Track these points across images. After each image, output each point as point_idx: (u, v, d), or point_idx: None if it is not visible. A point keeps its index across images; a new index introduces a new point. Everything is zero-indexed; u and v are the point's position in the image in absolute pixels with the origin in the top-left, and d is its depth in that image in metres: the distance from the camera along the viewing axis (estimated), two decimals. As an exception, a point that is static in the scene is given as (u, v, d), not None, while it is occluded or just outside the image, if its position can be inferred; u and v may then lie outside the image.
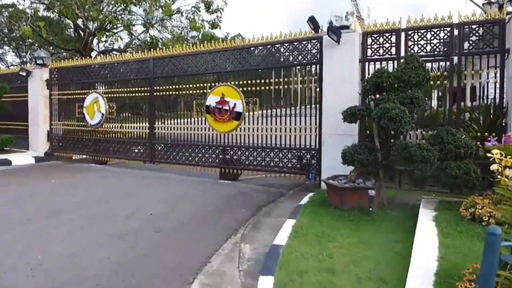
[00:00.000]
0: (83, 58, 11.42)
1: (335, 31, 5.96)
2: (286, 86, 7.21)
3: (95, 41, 14.36)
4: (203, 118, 8.06)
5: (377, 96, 5.44)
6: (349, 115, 5.07)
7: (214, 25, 14.92)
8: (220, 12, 15.25)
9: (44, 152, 10.77)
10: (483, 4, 17.99)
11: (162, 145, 8.73)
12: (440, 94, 6.65)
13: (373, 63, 6.38)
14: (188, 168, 8.39)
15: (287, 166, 7.15)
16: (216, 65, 7.90)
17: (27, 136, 11.10)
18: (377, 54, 6.30)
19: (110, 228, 4.72)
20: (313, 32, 6.76)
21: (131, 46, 14.12)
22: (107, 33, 13.58)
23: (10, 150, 10.84)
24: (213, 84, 7.91)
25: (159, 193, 6.68)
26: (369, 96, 5.69)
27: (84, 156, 10.36)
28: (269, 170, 7.33)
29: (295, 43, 6.98)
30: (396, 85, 4.90)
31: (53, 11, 14.22)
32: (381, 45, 6.26)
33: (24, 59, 24.78)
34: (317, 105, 6.82)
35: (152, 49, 8.95)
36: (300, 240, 3.93)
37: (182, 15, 14.48)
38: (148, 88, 8.89)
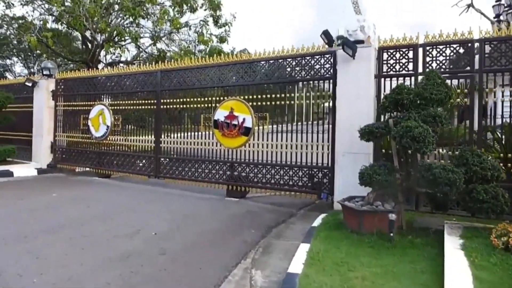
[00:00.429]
0: (90, 69, 11.30)
1: (351, 46, 5.75)
2: (297, 102, 6.98)
3: (102, 53, 14.32)
4: (211, 133, 7.83)
5: (395, 113, 5.20)
6: (367, 133, 4.81)
7: (222, 39, 14.87)
8: (229, 26, 15.23)
9: (47, 164, 10.55)
10: (492, 23, 17.91)
11: (168, 159, 8.48)
12: (459, 111, 6.38)
13: (389, 79, 6.15)
14: (193, 184, 8.11)
15: (297, 185, 6.86)
16: (225, 78, 7.71)
17: (30, 147, 10.91)
18: (394, 70, 6.07)
19: (112, 248, 4.43)
20: (326, 46, 6.57)
21: (138, 58, 14.05)
22: (115, 45, 13.53)
23: (12, 161, 10.63)
24: (221, 98, 7.70)
25: (164, 210, 6.40)
26: (388, 114, 5.46)
27: (87, 169, 10.12)
28: (278, 189, 7.04)
29: (308, 58, 6.78)
30: (417, 102, 4.65)
31: (61, 23, 14.24)
32: (397, 61, 6.04)
33: (32, 70, 24.92)
34: (330, 122, 6.57)
35: (160, 62, 8.78)
36: (318, 268, 3.62)
37: (190, 29, 14.46)
38: (155, 101, 8.70)
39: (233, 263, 4.10)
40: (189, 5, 13.56)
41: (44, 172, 10.30)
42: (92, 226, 5.34)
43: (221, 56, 7.87)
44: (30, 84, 10.44)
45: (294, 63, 6.92)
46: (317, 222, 5.42)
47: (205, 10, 14.17)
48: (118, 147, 9.47)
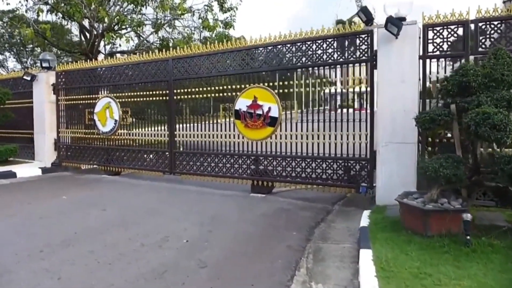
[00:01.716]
0: (91, 60, 10.58)
1: (396, 23, 5.11)
2: (329, 87, 6.36)
3: (101, 43, 13.54)
4: (232, 124, 7.20)
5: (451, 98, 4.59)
6: (427, 121, 4.21)
7: (227, 24, 14.09)
8: (234, 11, 14.45)
9: (51, 162, 9.90)
10: (504, 2, 17.18)
11: (184, 154, 7.85)
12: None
13: (435, 60, 5.54)
14: (211, 179, 7.51)
15: (331, 178, 6.28)
16: (246, 64, 7.04)
17: (32, 145, 10.24)
18: (440, 50, 5.43)
19: (142, 262, 3.84)
20: (361, 25, 5.92)
21: (139, 48, 13.31)
22: (116, 34, 12.76)
23: (14, 161, 9.96)
24: (243, 86, 7.04)
25: (188, 211, 5.82)
26: (438, 99, 4.87)
27: (94, 166, 9.47)
28: (310, 183, 6.46)
29: (340, 39, 6.13)
30: (486, 85, 4.04)
31: (57, 12, 13.39)
32: (445, 39, 5.40)
33: (25, 65, 24.02)
34: (368, 109, 5.97)
35: (170, 49, 8.08)
36: (398, 283, 3.05)
37: (193, 15, 13.66)
38: (167, 91, 8.03)
39: (287, 275, 3.54)
40: (193, -12, 12.76)
41: (48, 171, 9.65)
42: (113, 234, 4.74)
43: (240, 40, 7.17)
44: (28, 78, 9.72)
45: (325, 45, 6.25)
46: (364, 221, 4.85)
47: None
48: (128, 142, 8.83)
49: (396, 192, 5.29)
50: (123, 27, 12.81)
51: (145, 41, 13.81)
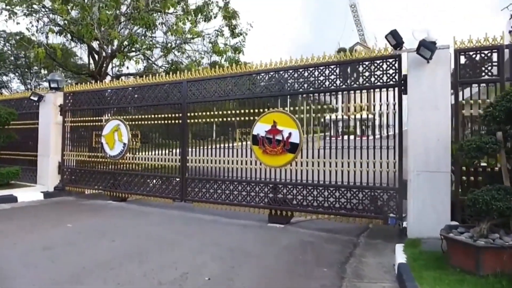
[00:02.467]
0: (100, 82, 10.38)
1: (430, 46, 4.90)
2: (353, 113, 6.09)
3: (110, 65, 13.40)
4: (248, 150, 6.88)
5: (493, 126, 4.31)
6: (474, 149, 3.90)
7: (237, 49, 14.05)
8: (244, 36, 14.45)
9: (54, 186, 9.48)
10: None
11: (196, 180, 7.47)
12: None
13: (468, 86, 5.31)
14: (224, 208, 7.11)
15: (357, 208, 5.90)
16: (265, 88, 6.82)
17: (35, 168, 9.84)
18: (474, 75, 5.21)
19: (163, 304, 3.41)
20: (388, 49, 5.72)
21: (148, 70, 13.17)
22: (126, 56, 12.65)
23: (16, 184, 9.52)
24: (261, 110, 6.77)
25: (206, 243, 5.39)
26: (473, 126, 4.59)
27: (98, 191, 9.04)
28: (333, 213, 6.07)
29: (366, 63, 5.92)
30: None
31: (66, 34, 13.34)
32: (478, 65, 5.18)
33: (29, 86, 23.98)
34: (396, 135, 5.68)
35: (185, 71, 7.88)
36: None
37: (204, 39, 13.62)
38: (180, 115, 7.75)
39: (330, 323, 3.12)
40: (204, 13, 12.76)
41: (51, 196, 9.23)
42: (126, 269, 4.31)
43: (260, 63, 6.96)
44: (36, 98, 9.46)
45: (349, 69, 6.04)
46: (400, 256, 4.44)
47: (222, 20, 13.39)
48: (136, 167, 8.47)
49: (428, 224, 5.01)
50: (133, 49, 12.71)
51: (153, 64, 13.68)
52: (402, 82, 5.57)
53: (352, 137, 6.02)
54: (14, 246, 5.17)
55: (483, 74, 5.17)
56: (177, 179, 7.73)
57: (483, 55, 5.15)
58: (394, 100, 5.70)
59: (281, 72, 6.63)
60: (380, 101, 5.83)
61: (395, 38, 5.36)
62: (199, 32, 12.52)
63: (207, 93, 7.47)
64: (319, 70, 6.27)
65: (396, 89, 5.66)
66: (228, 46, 13.31)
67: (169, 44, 13.55)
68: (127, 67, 15.20)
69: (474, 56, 5.19)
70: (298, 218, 6.70)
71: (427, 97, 5.20)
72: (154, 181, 8.07)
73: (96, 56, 13.45)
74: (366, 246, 5.42)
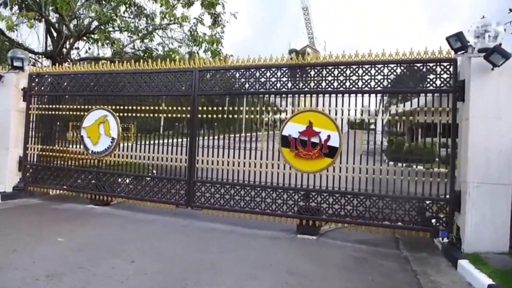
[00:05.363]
0: (59, 65, 8.82)
1: (504, 53, 4.64)
2: (393, 117, 5.70)
3: (74, 46, 11.54)
4: (275, 152, 6.16)
5: None
6: None
7: (216, 41, 13.00)
8: (221, 28, 13.45)
9: (13, 186, 7.79)
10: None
11: (208, 184, 6.53)
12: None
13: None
14: (233, 215, 6.31)
15: (402, 220, 5.51)
16: (297, 84, 6.13)
17: (-14, 163, 8.02)
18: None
19: None
20: (443, 52, 5.41)
21: (121, 55, 11.58)
22: (93, 37, 10.95)
23: (-41, 183, 7.66)
24: (292, 109, 6.09)
25: (247, 265, 4.55)
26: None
27: (67, 193, 7.56)
28: (375, 224, 5.61)
29: (418, 65, 5.54)
30: None
31: (13, 5, 11.19)
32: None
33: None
34: (448, 144, 5.39)
35: (198, 59, 6.88)
36: None
37: (181, 26, 12.39)
38: (189, 108, 6.74)
39: None
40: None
41: (10, 198, 7.56)
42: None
43: (292, 55, 6.26)
44: (-8, 78, 7.67)
45: (399, 70, 5.63)
46: (480, 275, 4.12)
47: (202, 8, 12.25)
48: (126, 166, 7.23)
49: (486, 238, 4.83)
50: (107, 28, 11.04)
51: (125, 49, 12.09)
52: (458, 88, 5.28)
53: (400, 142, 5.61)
54: (6, 273, 3.89)
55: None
56: (182, 182, 6.71)
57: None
58: (447, 106, 5.40)
59: (316, 67, 5.98)
60: (433, 106, 5.49)
61: (460, 41, 5.03)
62: (185, 17, 11.27)
63: (222, 84, 6.57)
64: (364, 69, 5.76)
65: (451, 95, 5.36)
66: (212, 36, 12.23)
67: (142, 28, 12.12)
68: (86, 51, 13.38)
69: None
70: (324, 227, 6.16)
71: (489, 106, 4.95)
72: (152, 183, 6.94)
73: (55, 35, 11.48)
74: (418, 261, 5.02)
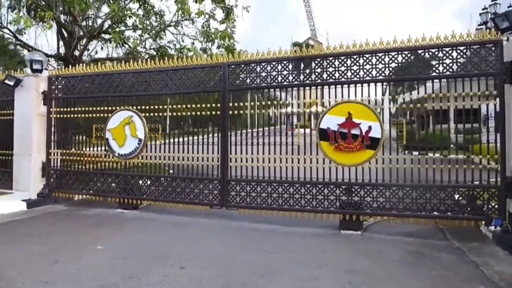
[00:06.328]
0: (74, 67, 8.60)
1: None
2: (437, 103, 5.49)
3: (87, 47, 11.33)
4: (313, 147, 5.96)
5: None
6: None
7: (229, 36, 12.79)
8: (232, 23, 13.22)
9: (37, 193, 7.61)
10: (476, 29, 18.31)
11: (243, 183, 6.33)
12: None
13: None
14: (269, 213, 6.12)
15: (452, 209, 5.32)
16: (331, 74, 5.91)
17: (8, 170, 7.84)
18: None
19: None
20: (487, 33, 5.19)
21: (134, 54, 11.36)
22: (104, 37, 10.75)
23: (-18, 192, 7.49)
24: (329, 101, 5.89)
25: (305, 266, 4.33)
26: None
27: (92, 198, 7.39)
28: (424, 216, 5.43)
29: (461, 48, 5.32)
30: None
31: (20, 9, 10.99)
32: None
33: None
34: (497, 130, 5.18)
35: (227, 52, 6.66)
36: None
37: (193, 22, 12.16)
38: (218, 105, 6.54)
39: None
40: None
41: (35, 205, 7.37)
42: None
43: (322, 45, 6.05)
44: (11, 83, 7.46)
45: (440, 54, 5.40)
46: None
47: (212, 3, 12.03)
48: (155, 168, 7.04)
49: None
50: (117, 27, 10.82)
51: (134, 50, 11.86)
52: (505, 70, 5.07)
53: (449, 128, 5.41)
54: (56, 287, 3.71)
55: None
56: (216, 182, 6.52)
57: None
58: (494, 90, 5.19)
59: (350, 56, 5.76)
60: (479, 90, 5.28)
61: (508, 20, 4.81)
62: (200, 12, 11.02)
63: (254, 79, 6.36)
64: (404, 55, 5.54)
65: (497, 78, 5.15)
66: (225, 30, 11.99)
67: (154, 26, 11.88)
68: (96, 52, 13.18)
69: None
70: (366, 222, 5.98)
71: (544, 88, 4.75)
72: (183, 184, 6.74)
73: (67, 36, 11.27)
74: (473, 252, 4.82)
